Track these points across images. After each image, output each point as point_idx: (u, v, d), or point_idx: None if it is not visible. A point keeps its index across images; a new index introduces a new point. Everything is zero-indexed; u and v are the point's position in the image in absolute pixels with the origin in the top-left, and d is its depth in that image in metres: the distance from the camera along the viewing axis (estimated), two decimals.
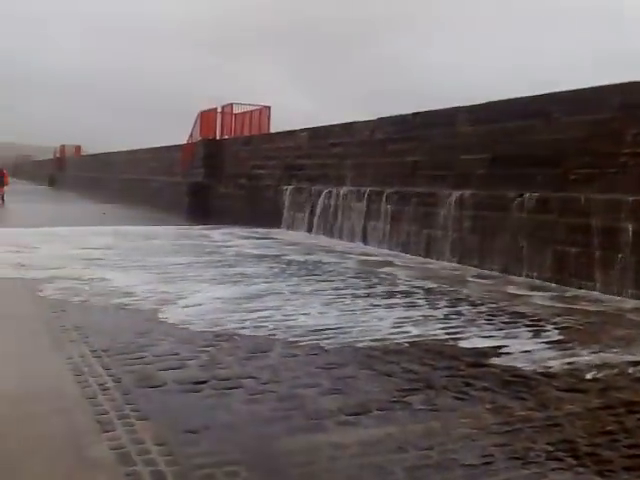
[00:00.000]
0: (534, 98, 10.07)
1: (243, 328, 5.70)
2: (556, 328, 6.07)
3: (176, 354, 4.87)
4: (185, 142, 25.66)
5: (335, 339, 5.42)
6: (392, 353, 5.10)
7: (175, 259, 10.32)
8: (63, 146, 57.29)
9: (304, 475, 3.04)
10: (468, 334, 5.74)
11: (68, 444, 3.26)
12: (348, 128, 15.24)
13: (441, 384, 4.35)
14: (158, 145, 30.36)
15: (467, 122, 11.43)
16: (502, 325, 6.15)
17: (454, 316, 6.48)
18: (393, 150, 13.37)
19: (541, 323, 6.27)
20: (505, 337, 5.66)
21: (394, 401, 3.99)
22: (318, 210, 15.27)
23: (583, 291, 8.18)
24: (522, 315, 6.62)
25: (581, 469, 3.14)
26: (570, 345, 5.45)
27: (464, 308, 6.90)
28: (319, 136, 16.66)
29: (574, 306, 7.25)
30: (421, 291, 7.93)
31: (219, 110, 24.24)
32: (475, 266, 10.22)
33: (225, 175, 22.63)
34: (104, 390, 4.02)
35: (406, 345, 5.34)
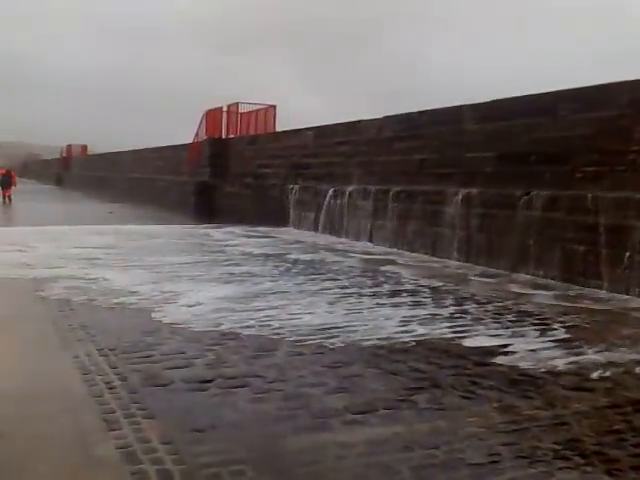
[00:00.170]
0: (540, 96, 10.03)
1: (249, 327, 5.70)
2: (563, 327, 6.04)
3: (182, 353, 4.87)
4: (191, 141, 25.72)
5: (341, 338, 5.41)
6: (398, 352, 5.09)
7: (180, 258, 10.34)
8: (70, 146, 57.50)
9: (310, 474, 3.04)
10: (474, 333, 5.72)
11: (75, 443, 3.27)
12: (354, 127, 15.22)
13: (447, 383, 4.34)
14: (165, 144, 30.43)
15: (473, 120, 11.40)
16: (509, 324, 6.13)
17: (460, 315, 6.46)
18: (399, 148, 13.35)
19: (548, 322, 6.25)
20: (512, 336, 5.64)
21: (400, 400, 3.98)
22: (324, 209, 15.26)
23: (590, 290, 8.14)
24: (529, 314, 6.60)
25: (588, 468, 3.13)
26: (577, 344, 5.43)
27: (470, 307, 6.88)
28: (325, 135, 16.65)
29: (581, 305, 7.22)
30: (427, 290, 7.92)
31: (225, 109, 24.27)
32: (482, 264, 10.20)
33: (231, 174, 22.65)
34: (111, 389, 4.03)
35: (412, 344, 5.33)
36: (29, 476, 2.94)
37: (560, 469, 3.10)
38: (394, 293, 7.62)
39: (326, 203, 15.15)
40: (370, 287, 8.01)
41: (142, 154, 34.43)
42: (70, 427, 3.44)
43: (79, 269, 8.72)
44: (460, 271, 9.74)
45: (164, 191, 26.79)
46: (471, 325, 6.02)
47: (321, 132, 16.94)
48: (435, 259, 11.08)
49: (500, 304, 7.09)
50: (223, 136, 24.16)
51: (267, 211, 18.09)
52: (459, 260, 10.71)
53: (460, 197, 10.89)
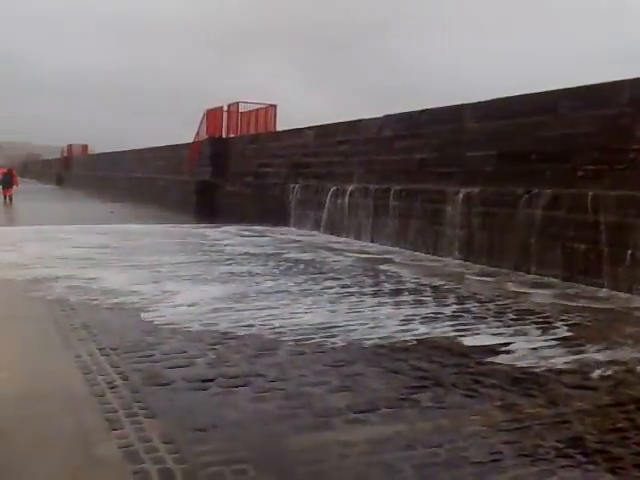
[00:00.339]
0: (541, 94, 10.01)
1: (250, 326, 5.69)
2: (565, 325, 6.04)
3: (184, 352, 4.87)
4: (192, 141, 25.72)
5: (342, 337, 5.40)
6: (400, 350, 5.09)
7: (182, 257, 10.35)
8: (70, 145, 57.53)
9: (312, 473, 3.04)
10: (476, 331, 5.72)
11: (76, 442, 3.26)
12: (355, 126, 15.22)
13: (450, 381, 4.33)
14: (165, 144, 30.43)
15: (474, 119, 11.39)
16: (510, 322, 6.12)
17: (462, 313, 6.45)
18: (400, 147, 13.34)
19: (550, 320, 6.24)
20: (514, 334, 5.63)
21: (402, 399, 3.97)
22: (325, 208, 15.25)
23: (592, 288, 8.13)
24: (531, 312, 6.59)
25: (591, 466, 3.12)
26: (579, 342, 5.42)
27: (472, 305, 6.88)
28: (326, 134, 16.64)
29: (583, 303, 7.21)
30: (428, 288, 7.91)
31: (225, 109, 24.27)
32: (483, 263, 10.19)
33: (232, 173, 22.65)
34: (112, 388, 4.02)
35: (414, 342, 5.32)
36: (31, 476, 2.94)
37: (562, 467, 3.09)
38: (395, 292, 7.62)
39: (327, 202, 15.15)
40: (371, 286, 8.00)
41: (143, 154, 34.44)
42: (72, 426, 3.44)
43: (79, 269, 8.72)
44: (461, 270, 9.73)
45: (165, 191, 26.79)
46: (473, 324, 6.01)
47: (322, 131, 16.94)
48: (436, 258, 11.08)
49: (501, 302, 7.08)
50: (224, 135, 24.16)
51: (268, 210, 18.09)
52: (460, 259, 10.71)
53: (461, 196, 10.88)
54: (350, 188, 14.41)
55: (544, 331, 5.79)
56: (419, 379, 4.38)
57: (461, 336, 5.54)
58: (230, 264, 9.72)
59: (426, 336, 5.52)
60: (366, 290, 7.68)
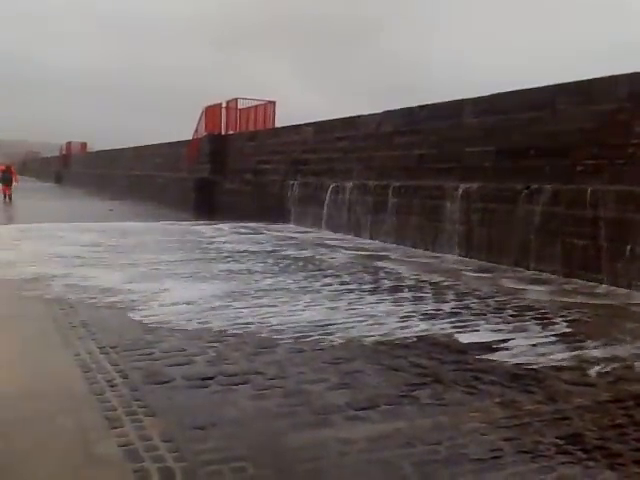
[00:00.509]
0: (540, 89, 10.01)
1: (249, 324, 5.69)
2: (564, 321, 6.04)
3: (183, 350, 4.86)
4: (191, 138, 25.69)
5: (341, 334, 5.40)
6: (399, 347, 5.09)
7: (180, 255, 10.34)
8: (69, 143, 57.47)
9: (311, 471, 3.03)
10: (476, 328, 5.72)
11: (76, 441, 3.26)
12: (354, 122, 15.20)
13: (449, 378, 4.33)
14: (164, 141, 30.40)
15: (473, 114, 11.38)
16: (510, 318, 6.12)
17: (461, 310, 6.46)
18: (399, 143, 13.33)
19: (549, 316, 6.24)
20: (513, 330, 5.63)
21: (402, 396, 3.97)
22: (324, 204, 15.24)
23: (591, 284, 8.14)
24: (530, 308, 6.59)
25: (591, 463, 3.12)
26: (578, 338, 5.42)
27: (471, 302, 6.88)
28: (325, 130, 16.62)
29: (582, 299, 7.21)
30: (428, 285, 7.91)
31: (224, 105, 24.23)
32: (482, 259, 10.19)
33: (231, 170, 22.64)
34: (112, 387, 4.02)
35: (413, 339, 5.32)
36: (31, 474, 2.94)
37: (562, 464, 3.09)
38: (395, 289, 7.62)
39: (326, 199, 15.14)
40: (371, 283, 8.00)
41: (141, 151, 34.42)
42: (72, 425, 3.44)
43: (78, 267, 8.71)
44: (461, 266, 9.72)
45: (164, 188, 26.77)
46: (472, 320, 6.01)
47: (320, 127, 16.92)
48: (436, 254, 11.07)
49: (501, 299, 7.08)
50: (222, 132, 24.13)
51: (267, 207, 18.08)
52: (459, 255, 10.71)
53: (460, 192, 10.88)
54: (349, 185, 14.39)
55: (543, 327, 5.79)
56: (418, 376, 4.38)
57: (460, 333, 5.54)
58: (229, 262, 9.71)
59: (425, 333, 5.52)
60: (365, 287, 7.68)
